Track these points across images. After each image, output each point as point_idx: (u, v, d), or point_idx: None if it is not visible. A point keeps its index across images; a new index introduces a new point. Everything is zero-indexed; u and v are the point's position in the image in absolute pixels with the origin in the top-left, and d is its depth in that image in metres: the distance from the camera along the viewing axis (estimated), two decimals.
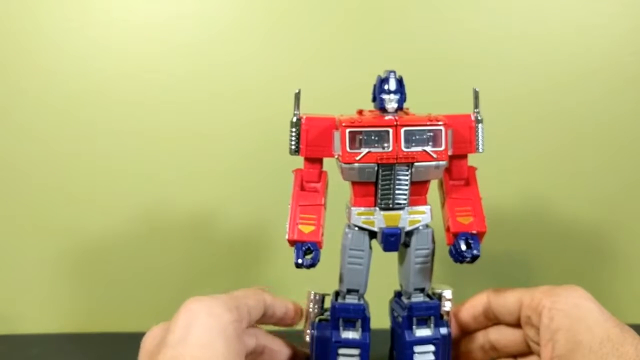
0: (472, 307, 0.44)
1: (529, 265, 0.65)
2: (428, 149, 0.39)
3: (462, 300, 0.45)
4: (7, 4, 0.59)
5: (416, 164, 0.39)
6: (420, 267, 0.42)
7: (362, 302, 0.43)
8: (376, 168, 0.39)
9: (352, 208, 0.41)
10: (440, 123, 0.39)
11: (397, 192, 0.40)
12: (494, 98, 0.56)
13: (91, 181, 0.62)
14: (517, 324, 0.42)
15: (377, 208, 0.40)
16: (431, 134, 0.39)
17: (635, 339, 0.36)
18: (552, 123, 0.62)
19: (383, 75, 0.40)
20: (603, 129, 0.63)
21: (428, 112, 0.40)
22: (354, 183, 0.41)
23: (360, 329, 0.42)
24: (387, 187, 0.40)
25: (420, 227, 0.41)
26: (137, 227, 0.63)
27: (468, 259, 0.40)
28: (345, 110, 0.42)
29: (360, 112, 0.42)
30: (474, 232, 0.41)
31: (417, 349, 0.42)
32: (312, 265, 0.39)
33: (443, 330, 0.42)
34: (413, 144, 0.39)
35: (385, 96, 0.40)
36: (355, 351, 0.42)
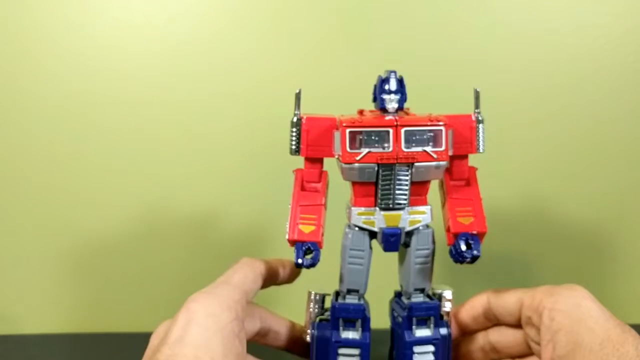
0: (472, 308, 0.44)
1: (528, 265, 0.65)
2: (428, 149, 0.39)
3: (462, 301, 0.45)
4: (7, 4, 0.59)
5: (416, 164, 0.39)
6: (421, 267, 0.42)
7: (362, 302, 0.42)
8: (376, 168, 0.39)
9: (353, 208, 0.41)
10: (440, 123, 0.39)
11: (397, 192, 0.40)
12: (495, 98, 0.56)
13: (91, 181, 0.62)
14: (517, 325, 0.42)
15: (378, 208, 0.40)
16: (432, 134, 0.39)
17: (636, 339, 0.36)
18: (553, 123, 0.63)
19: (384, 75, 0.40)
20: (603, 128, 0.63)
21: (429, 112, 0.40)
22: (354, 183, 0.41)
23: (360, 329, 0.42)
24: (387, 187, 0.39)
25: (421, 228, 0.41)
26: (137, 227, 0.63)
27: (468, 260, 0.40)
28: (345, 110, 0.42)
29: (360, 112, 0.42)
30: (475, 232, 0.40)
31: (416, 349, 0.42)
32: (312, 265, 0.39)
33: (443, 331, 0.42)
34: (413, 144, 0.39)
35: (385, 96, 0.40)
36: (356, 351, 0.42)
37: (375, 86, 0.41)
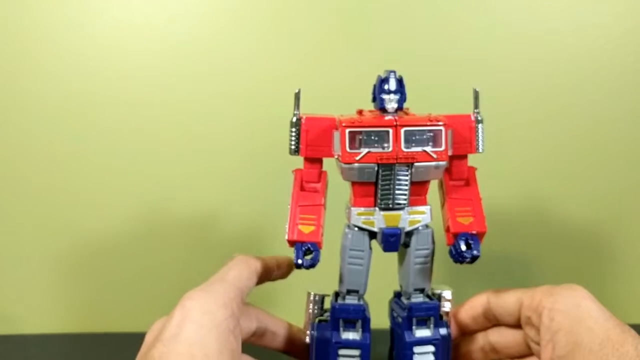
0: (472, 308, 0.44)
1: (528, 265, 0.65)
2: (428, 149, 0.39)
3: (461, 301, 0.45)
4: (7, 4, 0.59)
5: (416, 164, 0.39)
6: (420, 267, 0.42)
7: (362, 302, 0.42)
8: (376, 168, 0.39)
9: (352, 208, 0.41)
10: (440, 123, 0.39)
11: (397, 192, 0.40)
12: (494, 98, 0.56)
13: (91, 181, 0.62)
14: (517, 325, 0.42)
15: (377, 208, 0.40)
16: (431, 134, 0.39)
17: (635, 339, 0.36)
18: (552, 123, 0.62)
19: (383, 75, 0.40)
20: (603, 128, 0.63)
21: (428, 112, 0.40)
22: (353, 183, 0.41)
23: (360, 330, 0.42)
24: (387, 187, 0.39)
25: (420, 228, 0.41)
26: (137, 227, 0.63)
27: (468, 260, 0.40)
28: (345, 110, 0.42)
29: (360, 112, 0.42)
30: (474, 232, 0.40)
31: (416, 349, 0.42)
32: (312, 265, 0.39)
33: (443, 331, 0.42)
34: (413, 144, 0.39)
35: (385, 96, 0.40)
36: (356, 352, 0.42)
37: (374, 86, 0.41)
